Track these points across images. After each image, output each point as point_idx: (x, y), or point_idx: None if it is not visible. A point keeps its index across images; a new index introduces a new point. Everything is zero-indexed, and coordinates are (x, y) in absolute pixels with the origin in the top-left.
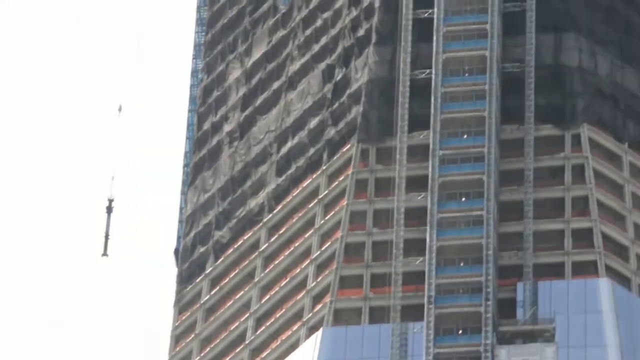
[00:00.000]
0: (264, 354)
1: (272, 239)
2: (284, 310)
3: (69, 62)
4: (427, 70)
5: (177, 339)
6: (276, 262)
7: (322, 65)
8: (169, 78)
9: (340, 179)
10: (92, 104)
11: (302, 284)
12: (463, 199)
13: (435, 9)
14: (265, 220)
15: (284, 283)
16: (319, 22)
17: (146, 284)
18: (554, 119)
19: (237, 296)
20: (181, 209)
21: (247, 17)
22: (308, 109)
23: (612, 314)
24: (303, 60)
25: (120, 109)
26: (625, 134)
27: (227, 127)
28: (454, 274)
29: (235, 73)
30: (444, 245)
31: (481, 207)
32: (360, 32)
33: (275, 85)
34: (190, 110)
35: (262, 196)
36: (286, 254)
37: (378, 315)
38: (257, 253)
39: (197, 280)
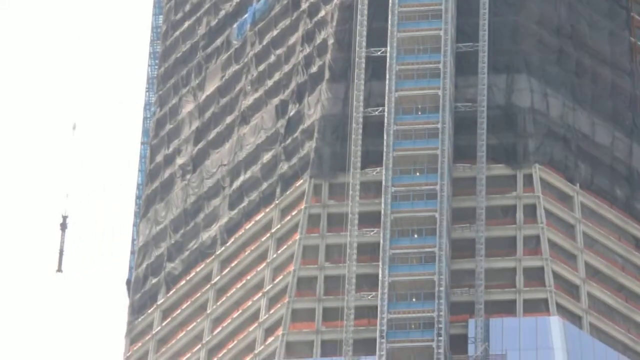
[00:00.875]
0: None
1: (225, 272)
2: (235, 342)
3: (24, 78)
4: (380, 108)
5: None
6: (228, 294)
7: (276, 101)
8: (121, 110)
9: (293, 213)
10: (47, 122)
11: (255, 317)
12: (415, 235)
13: (388, 48)
14: (217, 252)
15: (236, 315)
16: (272, 58)
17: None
18: (505, 158)
19: (189, 327)
20: (133, 240)
21: (201, 52)
22: (261, 144)
23: (563, 352)
24: (256, 95)
25: (74, 127)
26: (576, 175)
27: (179, 160)
28: (406, 309)
29: (189, 107)
30: (396, 280)
31: (433, 244)
32: (314, 69)
33: (228, 119)
34: (142, 143)
35: (214, 229)
36: (238, 286)
37: (330, 349)
38: (209, 285)
39: (149, 311)
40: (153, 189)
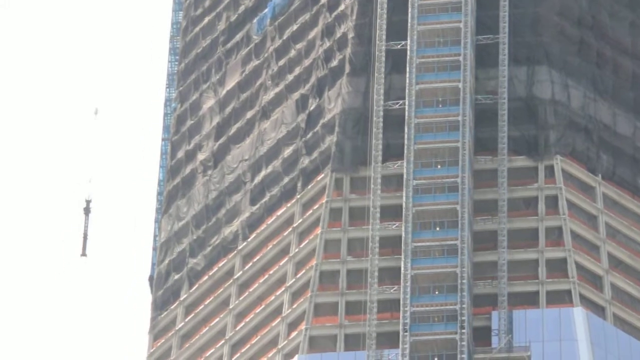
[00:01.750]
0: None
1: (247, 267)
2: (259, 337)
3: (47, 65)
4: (401, 101)
5: None
6: (251, 289)
7: (296, 95)
8: (142, 106)
9: (315, 207)
10: (69, 107)
11: (277, 311)
12: (437, 228)
13: (409, 41)
14: (239, 247)
15: (258, 310)
16: (292, 53)
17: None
18: (527, 150)
19: (212, 323)
20: (155, 236)
21: (221, 47)
22: (282, 139)
23: (587, 342)
24: (277, 89)
25: (96, 112)
26: (598, 166)
27: (200, 156)
28: (428, 302)
29: (209, 102)
30: (419, 273)
31: (455, 236)
32: (334, 63)
33: (249, 114)
34: (163, 139)
35: (236, 224)
36: (261, 281)
37: (353, 343)
38: (231, 280)
39: (172, 307)
40: (174, 185)
